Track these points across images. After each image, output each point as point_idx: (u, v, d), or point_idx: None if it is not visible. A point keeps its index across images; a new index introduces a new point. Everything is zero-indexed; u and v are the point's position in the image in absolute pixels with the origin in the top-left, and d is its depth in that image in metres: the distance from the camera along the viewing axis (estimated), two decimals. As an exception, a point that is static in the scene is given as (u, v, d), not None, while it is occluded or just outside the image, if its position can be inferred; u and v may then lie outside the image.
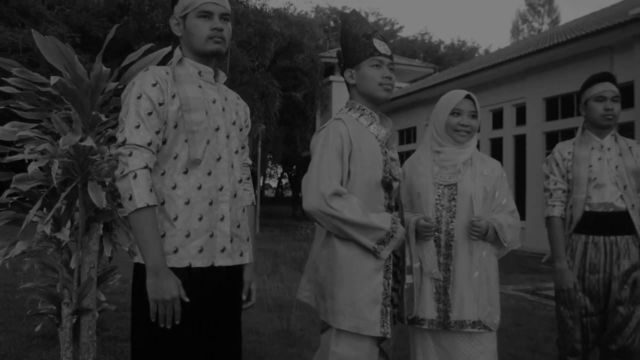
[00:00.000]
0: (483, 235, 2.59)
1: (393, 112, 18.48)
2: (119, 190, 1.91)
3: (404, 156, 18.11)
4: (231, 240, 2.08)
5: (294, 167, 32.09)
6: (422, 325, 2.64)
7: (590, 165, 3.05)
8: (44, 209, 3.16)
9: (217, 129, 2.08)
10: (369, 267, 2.35)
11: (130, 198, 1.86)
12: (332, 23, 38.51)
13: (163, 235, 1.96)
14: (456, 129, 2.71)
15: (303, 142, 21.46)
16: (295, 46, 20.10)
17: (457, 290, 2.60)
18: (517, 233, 2.72)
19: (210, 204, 2.02)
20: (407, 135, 19.39)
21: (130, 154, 1.89)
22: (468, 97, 2.73)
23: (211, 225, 2.02)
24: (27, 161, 2.90)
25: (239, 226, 2.13)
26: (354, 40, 2.49)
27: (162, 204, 1.98)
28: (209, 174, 2.03)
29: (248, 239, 2.21)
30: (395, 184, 2.48)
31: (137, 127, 1.92)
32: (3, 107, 3.07)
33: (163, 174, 1.99)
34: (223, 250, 2.05)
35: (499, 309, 2.68)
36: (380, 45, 2.46)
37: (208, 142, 2.04)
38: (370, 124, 2.47)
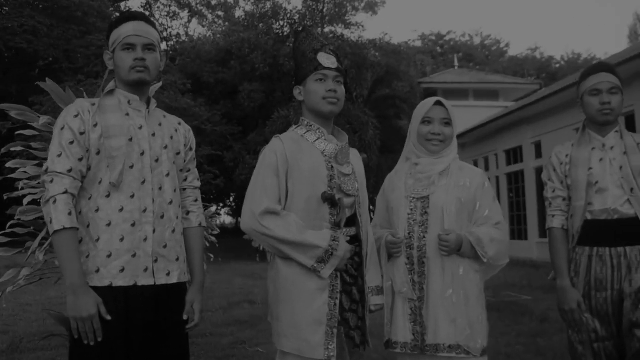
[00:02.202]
0: (454, 250, 2.42)
1: (498, 133, 17.85)
2: (44, 215, 2.05)
3: (511, 177, 17.40)
4: (156, 261, 2.14)
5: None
6: (395, 348, 2.50)
7: (590, 168, 2.66)
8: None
9: (142, 154, 2.17)
10: (311, 287, 2.29)
11: (51, 222, 2.00)
12: (438, 49, 38.25)
13: (88, 256, 2.07)
14: (428, 138, 2.58)
15: (407, 168, 21.29)
16: (393, 75, 20.14)
17: (432, 311, 2.43)
18: (502, 247, 2.53)
19: (133, 225, 2.10)
20: (514, 155, 18.65)
21: (52, 181, 2.04)
22: (439, 103, 2.60)
23: (133, 245, 2.10)
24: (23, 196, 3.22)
25: (165, 246, 2.18)
26: (302, 57, 2.48)
27: (88, 226, 2.10)
28: (132, 196, 2.12)
29: (178, 259, 2.23)
30: (348, 200, 2.40)
31: (59, 155, 2.07)
32: (21, 147, 3.44)
33: (90, 198, 2.11)
34: (146, 270, 2.12)
35: (483, 332, 2.47)
36: (326, 59, 2.42)
37: (132, 166, 2.13)
38: (316, 140, 2.43)
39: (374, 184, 17.41)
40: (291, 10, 22.00)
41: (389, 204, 2.64)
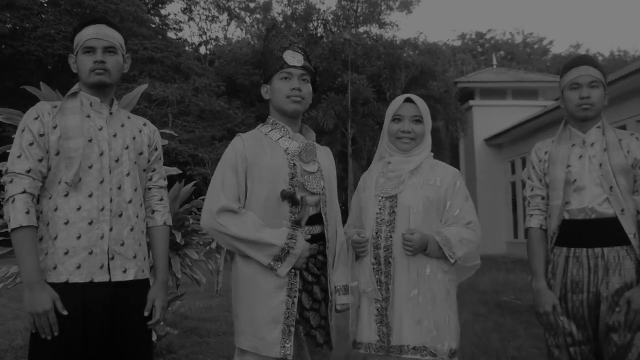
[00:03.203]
0: (419, 250, 2.37)
1: (536, 133, 17.37)
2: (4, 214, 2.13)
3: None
4: (112, 258, 2.19)
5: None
6: (360, 349, 2.46)
7: (569, 166, 2.56)
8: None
9: (102, 154, 2.23)
10: (269, 285, 2.29)
11: (10, 220, 2.08)
12: (479, 48, 37.61)
13: (47, 253, 2.15)
14: (398, 136, 2.53)
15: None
16: (429, 74, 19.86)
17: (397, 311, 2.39)
18: (473, 248, 2.46)
19: (91, 223, 2.17)
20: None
21: (11, 181, 2.12)
22: (410, 101, 2.55)
23: (90, 243, 2.16)
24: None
25: (123, 244, 2.23)
26: (270, 55, 2.47)
27: (48, 225, 2.17)
28: (91, 195, 2.18)
29: (136, 257, 2.27)
30: (312, 199, 2.38)
31: (19, 157, 2.15)
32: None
33: (50, 197, 2.18)
34: (102, 267, 2.17)
35: (453, 334, 2.40)
36: (292, 57, 2.40)
37: (91, 166, 2.20)
38: (280, 138, 2.42)
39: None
40: (325, 11, 21.92)
41: (360, 204, 2.61)
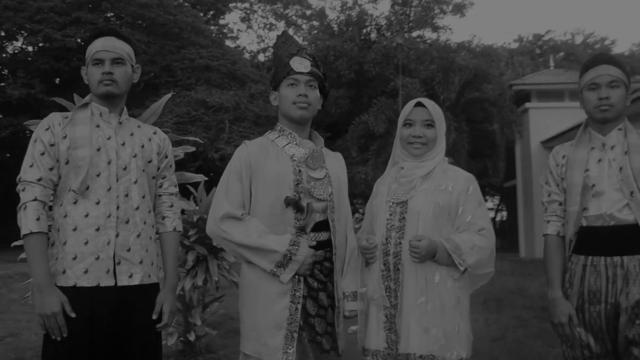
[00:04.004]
0: (426, 257, 2.31)
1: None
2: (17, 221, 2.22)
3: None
4: (119, 263, 2.26)
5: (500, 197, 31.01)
6: (367, 356, 2.43)
7: (587, 170, 2.42)
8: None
9: (109, 163, 2.29)
10: (272, 291, 2.30)
11: (21, 226, 2.17)
12: (537, 50, 36.81)
13: (57, 258, 2.23)
14: (409, 141, 2.49)
15: (496, 172, 20.73)
16: (482, 77, 19.65)
17: (404, 318, 2.34)
18: (485, 254, 2.39)
19: (97, 229, 2.24)
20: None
21: (24, 189, 2.22)
22: (421, 105, 2.50)
23: (97, 249, 2.23)
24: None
25: (129, 250, 2.28)
26: (278, 61, 2.49)
27: (58, 230, 2.26)
28: (98, 203, 2.25)
29: (142, 262, 2.32)
30: (319, 205, 2.39)
31: (31, 166, 2.24)
32: None
33: (61, 204, 2.27)
34: (108, 271, 2.24)
35: (463, 342, 2.35)
36: (299, 64, 2.41)
37: (99, 174, 2.27)
38: (286, 144, 2.44)
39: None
40: (377, 16, 22.04)
41: (372, 209, 2.58)
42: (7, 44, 24.42)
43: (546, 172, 2.63)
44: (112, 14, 22.58)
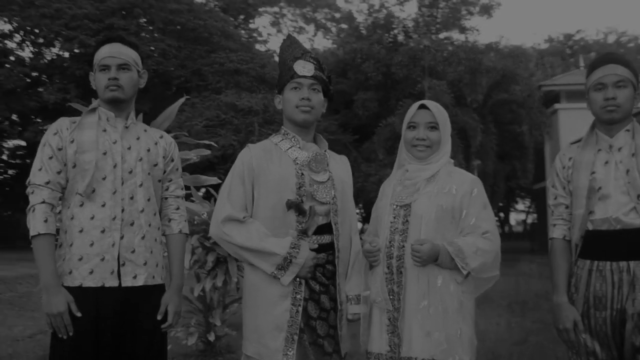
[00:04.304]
0: (428, 260, 2.31)
1: None
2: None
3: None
4: (123, 264, 2.33)
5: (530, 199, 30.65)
6: (369, 359, 2.43)
7: (593, 172, 2.38)
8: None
9: (115, 166, 2.37)
10: (273, 293, 2.34)
11: (30, 228, 2.27)
12: (568, 50, 36.28)
13: (64, 259, 2.32)
14: (413, 143, 2.48)
15: (525, 174, 20.54)
16: (510, 78, 19.49)
17: (407, 322, 2.34)
18: (489, 257, 2.37)
19: (103, 231, 2.31)
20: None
21: (32, 192, 2.31)
22: (424, 107, 2.49)
23: (102, 250, 2.31)
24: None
25: (133, 252, 2.36)
26: (283, 65, 2.52)
27: (66, 232, 2.35)
28: (103, 205, 2.33)
29: (146, 263, 2.39)
30: (322, 208, 2.41)
31: (40, 169, 2.32)
32: None
33: (68, 207, 2.36)
34: (112, 272, 2.31)
35: (465, 347, 2.33)
36: (302, 67, 2.44)
37: (104, 177, 2.35)
38: (289, 148, 2.47)
39: (489, 190, 17.09)
40: (404, 18, 22.03)
41: (377, 211, 2.58)
42: (45, 50, 25.12)
43: (552, 174, 2.61)
44: (144, 20, 22.99)
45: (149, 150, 2.48)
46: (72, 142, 2.35)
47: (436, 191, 2.41)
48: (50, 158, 2.33)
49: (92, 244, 2.30)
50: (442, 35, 21.61)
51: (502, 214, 38.72)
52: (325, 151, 2.52)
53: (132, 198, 2.38)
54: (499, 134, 19.39)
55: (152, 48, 21.98)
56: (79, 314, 2.25)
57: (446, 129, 2.51)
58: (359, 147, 20.76)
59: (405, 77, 19.31)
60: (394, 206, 2.45)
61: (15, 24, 23.69)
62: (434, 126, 2.48)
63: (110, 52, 2.39)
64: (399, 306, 2.36)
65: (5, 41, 24.20)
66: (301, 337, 2.34)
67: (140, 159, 2.43)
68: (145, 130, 2.56)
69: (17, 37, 24.72)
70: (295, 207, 2.35)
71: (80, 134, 2.37)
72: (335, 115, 22.36)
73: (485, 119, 18.73)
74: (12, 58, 23.84)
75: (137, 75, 2.48)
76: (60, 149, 2.34)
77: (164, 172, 2.54)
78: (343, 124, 21.62)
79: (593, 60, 2.56)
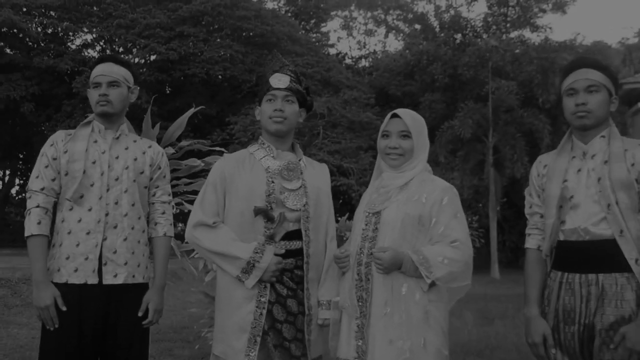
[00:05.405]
0: (390, 268, 2.31)
1: None
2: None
3: None
4: (105, 264, 2.53)
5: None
6: None
7: (565, 180, 2.30)
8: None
9: (102, 174, 2.58)
10: (239, 295, 2.42)
11: (25, 230, 2.51)
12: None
13: (55, 258, 2.54)
14: (386, 152, 2.51)
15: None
16: (585, 76, 18.65)
17: (372, 329, 2.34)
18: (458, 267, 2.33)
19: (88, 233, 2.53)
20: None
21: (30, 197, 2.56)
22: (396, 116, 2.51)
23: (87, 250, 2.51)
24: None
25: (115, 252, 2.55)
26: (262, 79, 2.63)
27: (57, 233, 2.57)
28: (90, 209, 2.54)
29: (127, 263, 2.56)
30: (292, 214, 2.47)
31: (37, 177, 2.57)
32: None
33: (61, 211, 2.58)
34: (94, 271, 2.51)
35: (431, 358, 2.28)
36: (277, 80, 2.53)
37: (92, 184, 2.56)
38: (263, 157, 2.56)
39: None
40: (472, 19, 21.51)
41: (354, 218, 2.62)
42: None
43: (529, 182, 2.54)
44: (213, 27, 23.54)
45: (135, 159, 2.67)
46: (66, 152, 2.58)
47: (405, 199, 2.42)
48: (46, 167, 2.58)
49: (78, 245, 2.51)
50: (512, 35, 20.91)
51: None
52: (300, 160, 2.60)
53: (116, 203, 2.58)
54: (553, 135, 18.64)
55: (222, 53, 22.45)
56: (64, 308, 2.45)
57: (420, 138, 2.51)
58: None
59: (473, 78, 18.88)
60: (366, 213, 2.48)
61: (95, 35, 24.84)
62: (406, 135, 2.49)
63: (102, 71, 2.62)
64: (365, 312, 2.36)
65: (88, 50, 25.54)
66: (265, 339, 2.39)
67: (127, 167, 2.63)
68: (135, 141, 2.76)
69: (98, 47, 25.93)
70: (263, 213, 2.43)
71: (73, 145, 2.59)
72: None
73: (556, 119, 17.94)
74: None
75: (127, 91, 2.68)
76: (55, 159, 2.58)
77: (151, 179, 2.73)
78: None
79: (566, 65, 2.49)
